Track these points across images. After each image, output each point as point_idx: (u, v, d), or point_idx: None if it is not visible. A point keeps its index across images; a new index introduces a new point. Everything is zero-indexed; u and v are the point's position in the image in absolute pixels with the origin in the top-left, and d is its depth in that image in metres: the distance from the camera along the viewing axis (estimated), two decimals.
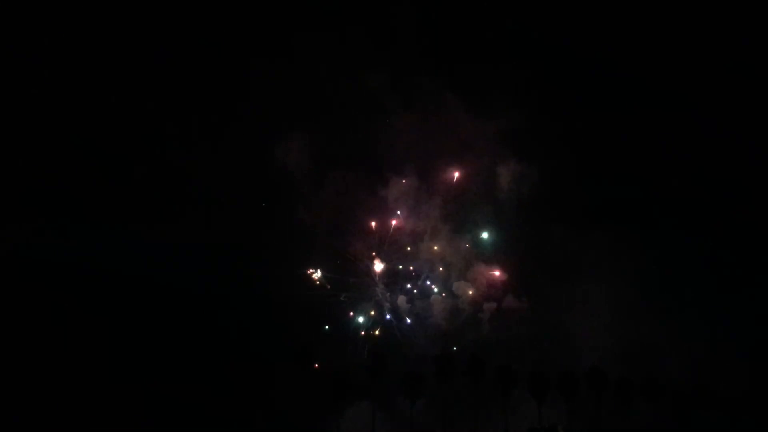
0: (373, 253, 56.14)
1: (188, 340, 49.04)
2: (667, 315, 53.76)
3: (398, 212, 56.85)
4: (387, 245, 56.84)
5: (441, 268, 57.30)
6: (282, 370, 50.02)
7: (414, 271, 57.24)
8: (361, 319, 54.35)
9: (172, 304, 49.80)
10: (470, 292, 56.18)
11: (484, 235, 57.05)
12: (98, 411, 46.07)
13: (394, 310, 55.96)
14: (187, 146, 53.45)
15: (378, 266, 55.96)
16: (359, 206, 57.21)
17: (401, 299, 55.99)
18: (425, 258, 57.60)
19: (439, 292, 56.63)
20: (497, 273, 56.60)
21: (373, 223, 56.34)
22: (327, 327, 52.69)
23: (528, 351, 53.69)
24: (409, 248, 56.91)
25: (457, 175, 56.52)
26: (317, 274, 54.55)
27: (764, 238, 55.92)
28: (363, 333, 53.85)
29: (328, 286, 54.69)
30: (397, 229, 57.46)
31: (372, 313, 54.89)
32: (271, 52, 55.28)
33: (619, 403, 52.29)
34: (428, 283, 56.77)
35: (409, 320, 55.24)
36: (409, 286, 56.71)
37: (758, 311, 54.32)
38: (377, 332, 54.35)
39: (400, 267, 56.74)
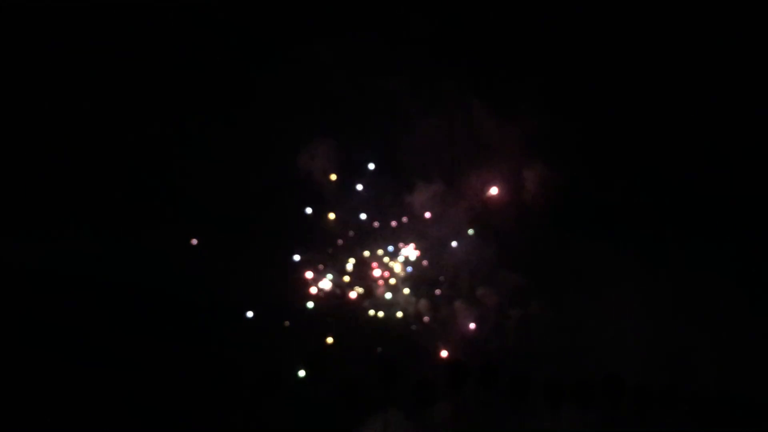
0: (396, 259, 56.31)
1: (194, 347, 49.21)
2: (691, 321, 53.21)
3: (425, 216, 57.16)
4: (411, 250, 57.09)
5: (466, 274, 57.68)
6: (292, 379, 50.64)
7: (438, 276, 57.61)
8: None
9: (181, 311, 49.90)
10: (495, 299, 56.27)
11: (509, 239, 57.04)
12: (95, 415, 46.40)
13: (417, 315, 56.14)
14: (206, 154, 54.02)
15: (400, 270, 56.08)
16: (384, 212, 57.52)
17: (423, 303, 56.03)
18: (450, 263, 57.81)
19: (464, 298, 56.89)
20: (522, 279, 56.64)
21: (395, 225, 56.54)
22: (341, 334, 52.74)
23: (551, 358, 53.57)
24: (433, 253, 57.33)
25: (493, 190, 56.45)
26: (336, 280, 54.78)
27: None
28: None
29: (350, 292, 54.87)
30: (422, 234, 57.69)
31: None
32: (290, 58, 55.78)
33: (636, 411, 52.10)
34: (452, 288, 57.21)
35: (432, 325, 55.48)
36: (433, 291, 57.20)
37: None
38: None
39: (424, 271, 57.04)
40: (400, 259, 54.89)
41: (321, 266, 53.67)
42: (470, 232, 55.21)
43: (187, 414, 47.35)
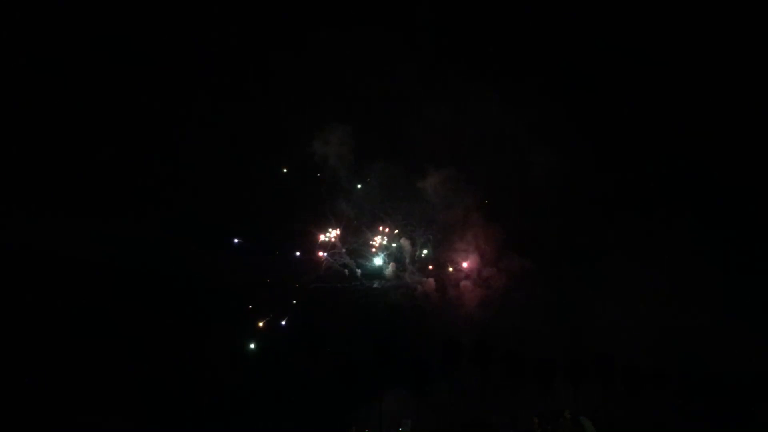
0: (404, 240, 57.28)
1: (198, 330, 50.42)
2: (687, 305, 53.85)
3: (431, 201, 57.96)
4: (420, 232, 57.98)
5: (472, 255, 58.45)
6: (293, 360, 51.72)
7: (445, 257, 58.50)
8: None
9: (192, 293, 51.11)
10: (500, 280, 57.07)
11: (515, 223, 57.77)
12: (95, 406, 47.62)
13: (425, 295, 57.01)
14: (220, 142, 54.98)
15: (409, 252, 57.13)
16: (394, 196, 58.23)
17: (431, 284, 56.95)
18: (457, 245, 58.60)
19: (470, 279, 57.68)
20: (527, 261, 57.37)
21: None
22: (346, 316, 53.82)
23: (552, 339, 54.28)
24: (441, 235, 58.24)
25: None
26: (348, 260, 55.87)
27: None
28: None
29: (359, 271, 56.01)
30: (430, 217, 58.51)
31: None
32: (301, 47, 56.74)
33: (628, 390, 52.90)
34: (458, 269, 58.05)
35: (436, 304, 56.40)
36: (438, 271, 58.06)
37: None
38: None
39: (431, 253, 57.99)
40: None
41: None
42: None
43: (185, 393, 48.78)
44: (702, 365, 51.77)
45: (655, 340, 54.26)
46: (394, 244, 56.17)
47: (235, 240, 53.36)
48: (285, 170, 55.13)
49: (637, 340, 53.76)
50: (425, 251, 56.46)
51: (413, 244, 57.10)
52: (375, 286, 55.56)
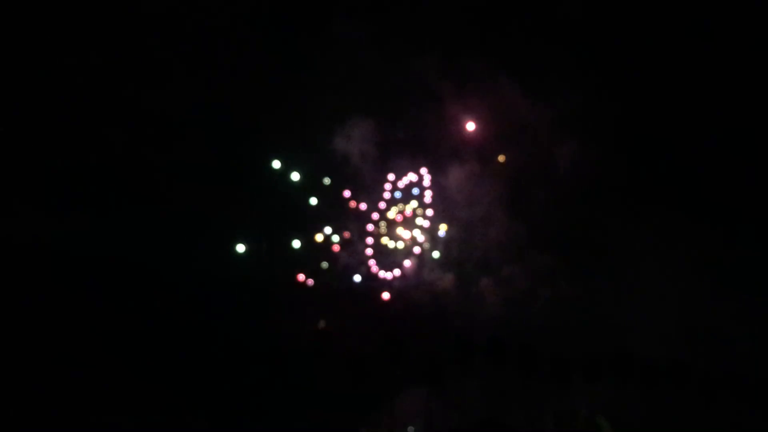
0: (424, 237, 57.17)
1: (197, 332, 50.39)
2: (719, 302, 53.50)
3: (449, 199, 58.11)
4: (441, 228, 58.05)
5: (493, 253, 58.29)
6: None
7: (465, 254, 58.33)
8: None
9: (193, 290, 51.22)
10: (521, 277, 56.75)
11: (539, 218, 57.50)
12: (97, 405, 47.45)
13: (445, 293, 56.95)
14: (235, 138, 55.03)
15: (431, 251, 57.01)
16: (416, 190, 58.16)
17: (449, 280, 56.61)
18: (478, 242, 58.39)
19: (492, 277, 57.49)
20: (550, 257, 57.04)
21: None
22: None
23: (573, 336, 54.19)
24: (462, 232, 58.24)
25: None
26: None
27: None
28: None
29: (377, 269, 55.79)
30: (452, 213, 58.50)
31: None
32: (318, 38, 56.48)
33: (647, 388, 52.65)
34: (479, 266, 57.87)
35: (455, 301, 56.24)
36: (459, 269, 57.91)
37: None
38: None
39: (452, 249, 57.90)
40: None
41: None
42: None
43: (191, 393, 48.63)
44: (724, 363, 51.47)
45: (676, 338, 54.37)
46: (412, 239, 56.26)
47: (246, 239, 53.41)
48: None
49: (657, 337, 53.79)
50: (446, 248, 56.64)
51: (434, 240, 57.13)
52: (392, 282, 55.65)
